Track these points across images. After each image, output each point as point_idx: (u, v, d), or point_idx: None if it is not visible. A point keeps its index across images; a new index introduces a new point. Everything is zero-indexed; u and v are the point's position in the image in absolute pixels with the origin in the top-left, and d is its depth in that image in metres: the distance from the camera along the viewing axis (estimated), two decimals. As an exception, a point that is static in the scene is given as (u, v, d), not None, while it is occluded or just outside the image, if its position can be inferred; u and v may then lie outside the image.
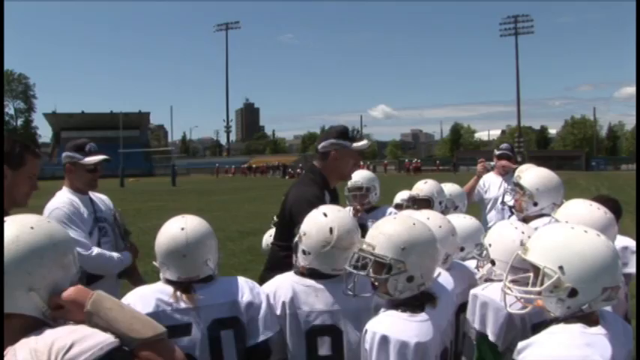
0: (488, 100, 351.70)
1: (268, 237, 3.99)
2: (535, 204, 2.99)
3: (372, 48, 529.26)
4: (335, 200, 3.15)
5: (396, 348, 1.79)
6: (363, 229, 4.08)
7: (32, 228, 1.36)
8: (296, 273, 2.24)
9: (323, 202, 2.96)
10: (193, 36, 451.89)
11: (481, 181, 5.30)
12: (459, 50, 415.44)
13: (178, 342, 1.97)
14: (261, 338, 2.09)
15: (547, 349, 1.56)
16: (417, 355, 1.80)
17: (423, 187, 3.85)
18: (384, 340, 1.81)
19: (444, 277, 2.24)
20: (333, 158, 3.03)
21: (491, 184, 5.20)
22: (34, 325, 1.33)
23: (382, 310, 2.00)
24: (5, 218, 1.39)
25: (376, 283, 1.95)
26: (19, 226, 1.36)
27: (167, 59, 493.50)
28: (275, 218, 4.55)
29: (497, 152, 5.39)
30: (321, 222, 2.17)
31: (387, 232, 1.94)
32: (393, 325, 1.86)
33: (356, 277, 1.98)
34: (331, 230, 2.13)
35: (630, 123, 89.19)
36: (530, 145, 79.63)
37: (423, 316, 1.90)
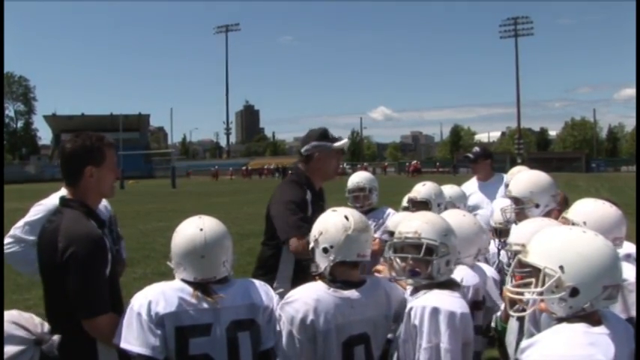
0: (488, 101, 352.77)
1: None
2: (537, 205, 2.97)
3: (371, 50, 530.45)
4: (320, 201, 3.22)
5: (446, 317, 2.03)
6: None
7: None
8: (325, 282, 2.18)
9: (304, 203, 3.04)
10: (193, 38, 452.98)
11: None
12: (458, 52, 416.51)
13: (197, 342, 1.99)
14: (273, 343, 2.11)
15: (550, 348, 1.56)
16: (462, 323, 2.05)
17: (421, 189, 3.86)
18: (435, 312, 2.04)
19: (464, 272, 2.49)
20: (317, 160, 3.15)
21: (473, 191, 4.96)
22: None
23: (410, 295, 2.22)
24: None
25: (417, 269, 2.16)
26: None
27: (167, 61, 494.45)
28: None
29: (470, 156, 5.15)
30: (334, 216, 2.23)
31: (429, 221, 2.21)
32: (440, 299, 2.09)
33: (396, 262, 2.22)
34: (346, 217, 2.19)
35: (630, 125, 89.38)
36: (530, 147, 79.62)
37: (457, 294, 2.17)
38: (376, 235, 3.73)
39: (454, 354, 2.00)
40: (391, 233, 3.46)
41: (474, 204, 4.80)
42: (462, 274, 2.43)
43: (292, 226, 2.89)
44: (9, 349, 1.40)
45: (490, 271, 2.91)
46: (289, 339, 2.09)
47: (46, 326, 1.55)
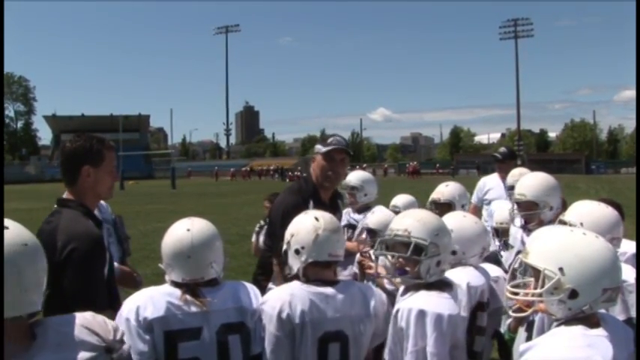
0: (488, 103, 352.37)
1: None
2: (551, 208, 2.97)
3: (371, 51, 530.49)
4: (331, 212, 3.12)
5: (432, 320, 2.00)
6: (353, 229, 4.12)
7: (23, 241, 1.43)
8: (301, 281, 2.21)
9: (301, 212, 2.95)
10: (193, 39, 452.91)
11: (480, 183, 5.43)
12: (458, 53, 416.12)
13: (186, 346, 1.98)
14: (263, 348, 2.11)
15: (549, 350, 1.56)
16: (449, 326, 2.02)
17: (444, 190, 3.78)
18: (421, 314, 2.01)
19: (471, 273, 2.46)
20: (314, 162, 3.12)
21: (494, 187, 5.30)
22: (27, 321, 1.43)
23: (401, 296, 2.20)
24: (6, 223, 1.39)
25: (407, 268, 2.13)
26: (26, 232, 1.42)
27: (167, 62, 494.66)
28: (261, 222, 4.58)
29: (497, 156, 5.50)
30: (304, 218, 2.24)
31: (421, 219, 2.18)
32: (427, 301, 2.06)
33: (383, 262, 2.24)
34: (316, 218, 2.20)
35: (630, 126, 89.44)
36: (530, 149, 79.60)
37: (447, 294, 2.12)
38: (364, 236, 3.72)
39: (440, 357, 1.98)
40: (369, 231, 3.44)
41: (493, 197, 5.08)
42: (467, 275, 2.42)
43: (277, 245, 2.91)
44: (79, 356, 1.38)
45: (497, 271, 2.89)
46: (269, 338, 2.09)
47: (120, 332, 1.52)
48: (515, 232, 3.35)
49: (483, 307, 2.46)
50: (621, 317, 2.23)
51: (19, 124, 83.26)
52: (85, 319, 1.47)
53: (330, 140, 3.09)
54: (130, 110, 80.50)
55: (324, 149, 3.05)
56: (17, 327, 1.36)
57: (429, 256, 2.11)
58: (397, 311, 2.09)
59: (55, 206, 2.31)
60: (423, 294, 2.10)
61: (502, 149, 5.60)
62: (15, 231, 1.37)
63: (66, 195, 2.31)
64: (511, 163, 5.37)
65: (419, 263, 2.12)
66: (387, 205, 4.37)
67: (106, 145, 2.32)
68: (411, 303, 2.07)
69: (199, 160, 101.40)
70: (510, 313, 1.84)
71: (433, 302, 2.05)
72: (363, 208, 4.12)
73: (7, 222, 1.39)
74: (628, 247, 2.63)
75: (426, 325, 2.00)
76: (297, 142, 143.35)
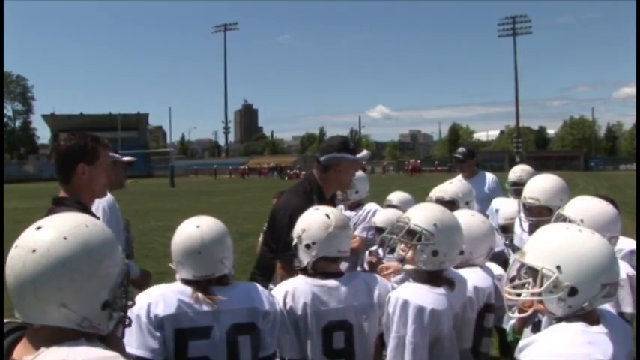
0: (487, 100, 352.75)
1: None
2: (558, 207, 2.96)
3: (370, 49, 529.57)
4: None
5: (414, 311, 2.08)
6: None
7: (65, 238, 1.24)
8: (305, 275, 2.30)
9: None
10: (191, 37, 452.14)
11: None
12: (457, 51, 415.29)
13: (197, 344, 1.99)
14: (274, 350, 2.15)
15: (549, 346, 1.57)
16: (432, 320, 2.09)
17: (448, 188, 3.73)
18: (405, 304, 2.10)
19: (479, 274, 2.48)
20: (337, 171, 3.05)
21: None
22: (70, 335, 1.24)
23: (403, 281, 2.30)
24: (42, 222, 1.28)
25: (406, 255, 2.21)
26: (53, 236, 1.24)
27: (166, 60, 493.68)
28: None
29: (458, 157, 5.50)
30: (316, 214, 2.32)
31: (423, 210, 2.29)
32: (413, 292, 2.15)
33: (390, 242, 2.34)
34: (328, 216, 2.29)
35: (628, 123, 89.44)
36: (529, 146, 79.59)
37: (440, 290, 2.18)
38: (356, 233, 3.74)
39: (417, 347, 2.06)
40: (377, 229, 3.48)
41: None
42: (475, 277, 2.43)
43: (282, 248, 2.88)
44: None
45: (500, 270, 2.88)
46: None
47: None
48: (521, 234, 3.33)
49: (491, 308, 2.46)
50: (612, 311, 2.25)
51: (18, 123, 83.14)
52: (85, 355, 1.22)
53: (353, 147, 3.13)
54: (129, 109, 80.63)
55: (361, 156, 3.11)
56: (29, 334, 1.27)
57: (422, 242, 2.17)
58: (389, 298, 2.19)
59: (51, 205, 2.30)
60: (413, 285, 2.20)
61: (461, 149, 5.62)
62: (33, 233, 1.26)
63: (61, 194, 2.30)
64: (471, 162, 5.45)
65: (415, 249, 2.19)
66: (383, 202, 4.39)
67: (100, 144, 2.31)
68: (400, 292, 2.17)
69: (198, 159, 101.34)
70: (510, 314, 1.83)
71: (419, 294, 2.13)
72: (355, 205, 4.14)
73: (43, 222, 1.28)
74: (624, 244, 2.64)
75: (408, 315, 2.08)
76: (296, 140, 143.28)
